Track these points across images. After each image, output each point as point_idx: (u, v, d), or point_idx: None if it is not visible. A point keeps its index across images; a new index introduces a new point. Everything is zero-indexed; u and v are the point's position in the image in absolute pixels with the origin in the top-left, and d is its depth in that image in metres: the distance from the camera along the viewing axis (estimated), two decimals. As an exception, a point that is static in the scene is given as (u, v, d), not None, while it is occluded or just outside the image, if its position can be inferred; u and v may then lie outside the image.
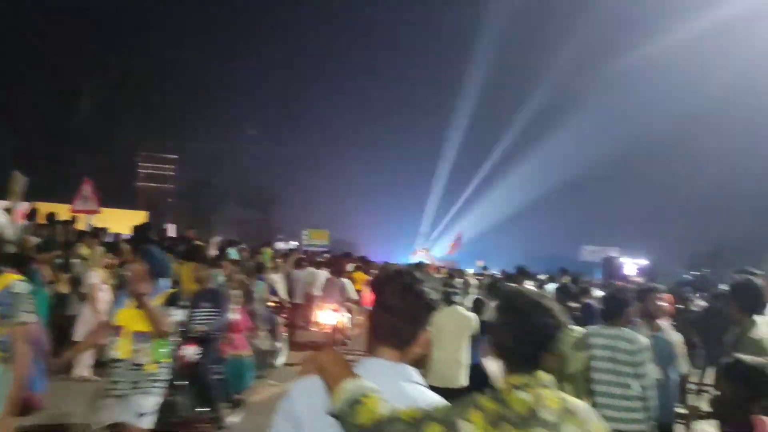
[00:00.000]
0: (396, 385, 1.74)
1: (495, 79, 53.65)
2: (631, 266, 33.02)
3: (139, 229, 10.58)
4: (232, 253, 12.22)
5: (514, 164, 53.68)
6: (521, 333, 1.78)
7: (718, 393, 3.13)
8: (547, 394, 1.71)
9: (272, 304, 10.52)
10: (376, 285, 1.97)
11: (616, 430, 4.30)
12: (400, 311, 1.81)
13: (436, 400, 1.76)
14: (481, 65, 54.63)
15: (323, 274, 13.59)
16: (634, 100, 48.77)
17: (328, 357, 1.76)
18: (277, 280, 12.15)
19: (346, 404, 1.64)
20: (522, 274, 8.86)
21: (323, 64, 55.92)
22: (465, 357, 5.97)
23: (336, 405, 1.65)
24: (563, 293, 7.45)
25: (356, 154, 53.38)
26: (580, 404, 1.78)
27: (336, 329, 11.42)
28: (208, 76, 45.80)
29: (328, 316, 11.54)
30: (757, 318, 4.22)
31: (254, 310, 8.48)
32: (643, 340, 4.36)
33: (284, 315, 11.10)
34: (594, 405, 4.46)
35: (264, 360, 8.38)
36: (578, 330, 5.47)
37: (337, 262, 15.13)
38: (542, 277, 13.73)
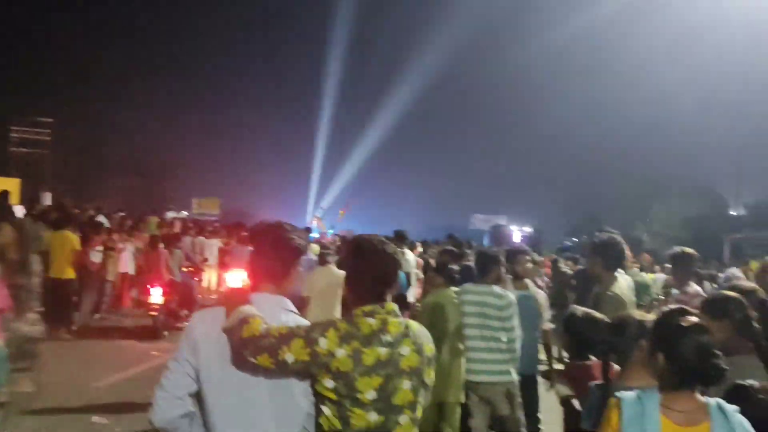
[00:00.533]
0: (275, 312, 2.20)
1: (383, 46, 53.58)
2: (517, 233, 34.65)
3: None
4: (103, 220, 11.81)
5: (408, 133, 54.29)
6: (368, 273, 2.22)
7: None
8: (391, 320, 2.16)
9: (188, 269, 11.29)
10: (254, 237, 2.44)
11: (487, 381, 4.49)
12: (274, 255, 2.27)
13: (305, 323, 2.22)
14: (375, 29, 54.23)
15: (215, 242, 13.74)
16: (523, 71, 50.53)
17: (231, 291, 2.35)
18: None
19: (236, 322, 2.08)
20: (399, 237, 9.11)
21: (212, 28, 53.60)
22: (338, 312, 6.14)
23: (229, 323, 2.10)
24: (448, 256, 7.70)
25: (248, 121, 51.86)
26: (418, 329, 2.24)
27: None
28: (89, 35, 42.65)
29: (236, 279, 11.64)
30: (618, 275, 4.48)
31: (24, 285, 6.61)
32: (510, 296, 4.56)
33: (198, 278, 11.74)
34: (467, 358, 4.63)
35: (25, 349, 6.59)
36: (457, 290, 5.64)
37: (236, 230, 15.18)
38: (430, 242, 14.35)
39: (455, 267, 5.93)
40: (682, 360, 2.10)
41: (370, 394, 2.06)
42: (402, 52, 52.46)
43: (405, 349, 2.13)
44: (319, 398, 2.12)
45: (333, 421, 2.08)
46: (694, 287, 5.14)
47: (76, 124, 38.56)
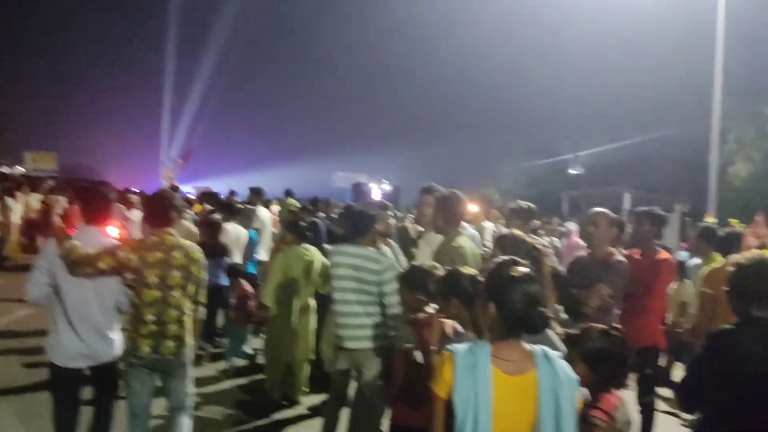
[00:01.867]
0: (97, 238, 3.57)
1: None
2: (377, 191, 35.33)
3: None
4: None
5: (269, 86, 52.75)
6: (151, 210, 3.80)
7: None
8: (166, 237, 3.63)
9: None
10: (80, 193, 4.09)
11: (363, 348, 4.12)
12: (99, 204, 3.66)
13: (115, 244, 3.62)
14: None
15: (61, 199, 13.60)
16: (385, 31, 50.72)
17: (56, 230, 3.50)
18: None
19: (65, 251, 3.34)
20: (254, 193, 8.90)
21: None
22: None
23: (62, 252, 3.36)
24: (306, 212, 7.68)
25: (87, 69, 47.62)
26: (189, 244, 3.74)
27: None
28: None
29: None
30: (462, 228, 4.62)
31: None
32: (388, 259, 4.23)
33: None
34: (342, 324, 4.21)
35: None
36: (307, 246, 5.56)
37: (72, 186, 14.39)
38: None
39: (304, 224, 5.88)
40: (511, 308, 2.13)
41: (153, 280, 3.54)
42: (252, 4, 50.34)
43: (176, 254, 3.62)
44: (126, 286, 3.58)
45: (134, 299, 3.58)
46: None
47: None
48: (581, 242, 10.67)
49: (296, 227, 5.66)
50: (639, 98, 31.50)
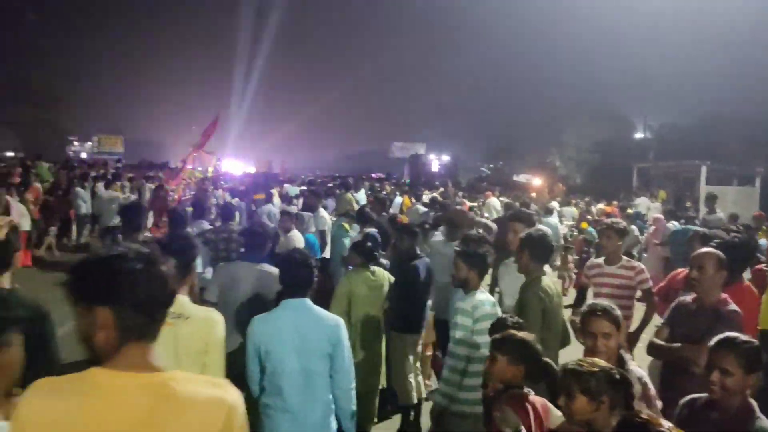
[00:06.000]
0: None
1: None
2: (435, 162, 34.61)
3: None
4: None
5: (320, 57, 52.26)
6: None
7: None
8: None
9: None
10: None
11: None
12: None
13: None
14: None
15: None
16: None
17: None
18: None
19: None
20: (313, 195, 8.59)
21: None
22: None
23: None
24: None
25: (154, 43, 48.19)
26: None
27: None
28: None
29: None
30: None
31: None
32: None
33: None
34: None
35: None
36: (375, 269, 5.11)
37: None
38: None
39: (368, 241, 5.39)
40: None
41: None
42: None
43: None
44: None
45: None
46: None
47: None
48: (668, 226, 9.80)
49: (362, 248, 5.26)
50: (707, 58, 29.55)
